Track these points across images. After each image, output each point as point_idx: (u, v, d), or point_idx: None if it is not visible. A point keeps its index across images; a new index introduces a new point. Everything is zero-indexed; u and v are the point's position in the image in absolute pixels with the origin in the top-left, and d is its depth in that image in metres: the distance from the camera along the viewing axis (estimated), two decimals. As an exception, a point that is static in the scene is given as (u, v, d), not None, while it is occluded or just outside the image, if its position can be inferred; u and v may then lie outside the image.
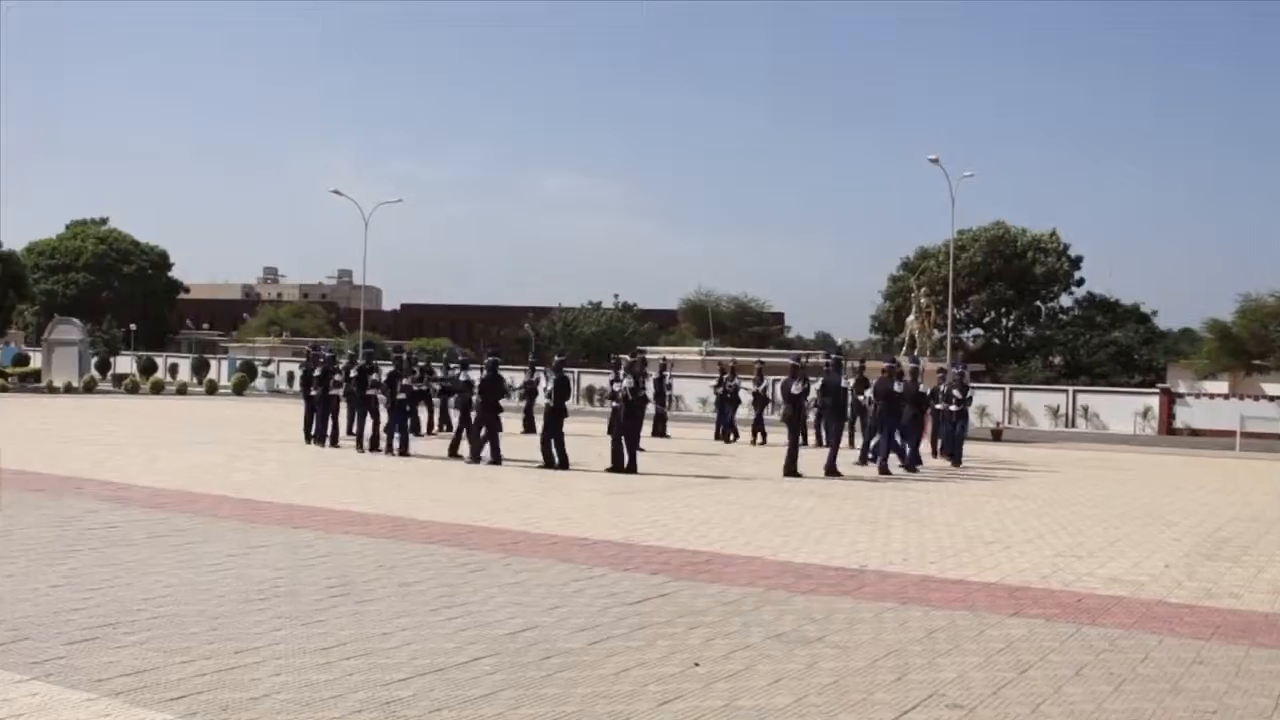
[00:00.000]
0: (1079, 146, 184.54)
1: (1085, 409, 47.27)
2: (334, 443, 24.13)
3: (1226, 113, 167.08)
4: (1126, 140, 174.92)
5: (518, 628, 8.53)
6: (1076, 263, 72.48)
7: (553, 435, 21.11)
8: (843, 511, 16.12)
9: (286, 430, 29.84)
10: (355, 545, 11.89)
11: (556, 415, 21.19)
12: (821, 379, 22.66)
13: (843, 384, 22.42)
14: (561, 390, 21.31)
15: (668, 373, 31.35)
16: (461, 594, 9.59)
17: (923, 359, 32.50)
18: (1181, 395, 47.59)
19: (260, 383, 59.29)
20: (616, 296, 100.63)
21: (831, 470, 21.39)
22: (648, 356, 31.47)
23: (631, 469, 20.68)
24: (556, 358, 22.16)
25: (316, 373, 24.70)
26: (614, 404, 21.16)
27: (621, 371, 21.17)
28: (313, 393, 24.99)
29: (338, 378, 24.36)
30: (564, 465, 20.99)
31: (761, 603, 9.67)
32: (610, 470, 20.63)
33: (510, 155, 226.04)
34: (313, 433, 24.96)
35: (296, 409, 41.26)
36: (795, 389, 21.63)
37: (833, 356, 22.80)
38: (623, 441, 20.87)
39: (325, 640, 7.99)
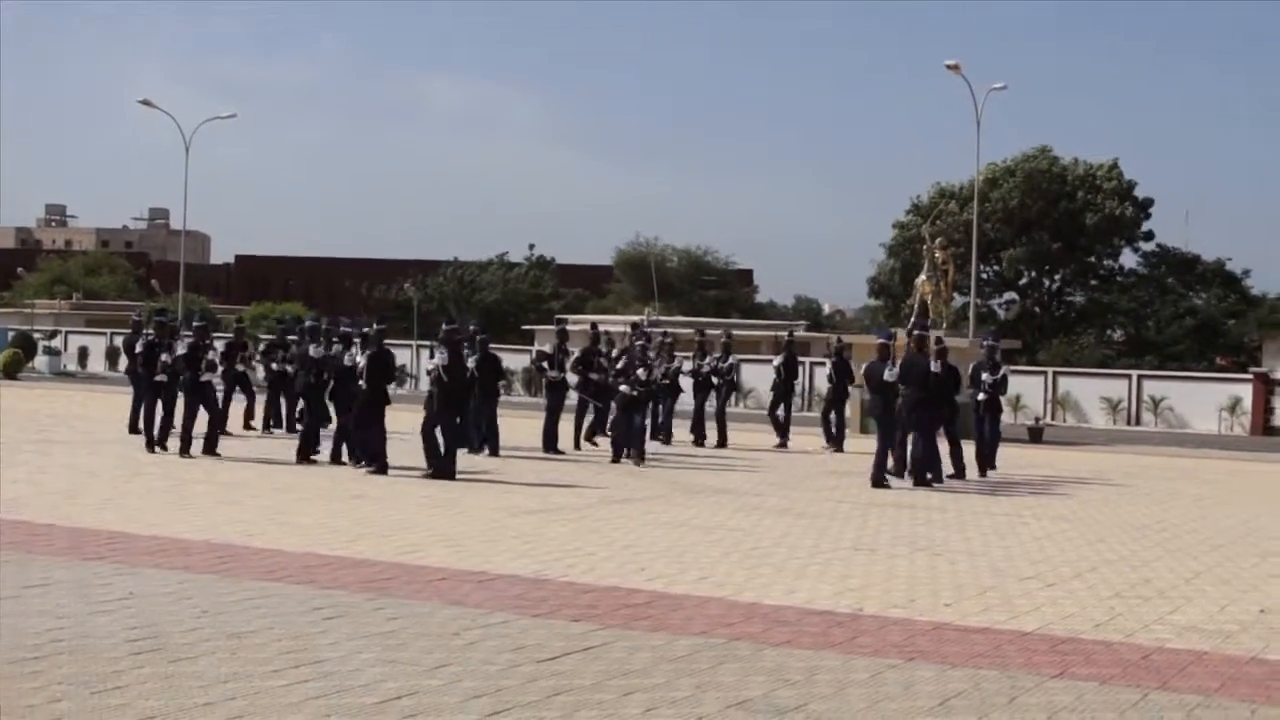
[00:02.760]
0: (1147, 52, 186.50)
1: (1154, 400, 47.78)
2: (209, 448, 23.45)
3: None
4: (1211, 43, 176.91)
5: (390, 694, 8.46)
6: (1144, 207, 73.22)
7: (367, 430, 21.80)
8: (830, 537, 16.18)
9: (80, 426, 29.51)
10: (169, 583, 11.74)
11: (372, 404, 21.76)
12: (901, 361, 23.01)
13: (933, 367, 22.83)
14: (377, 370, 21.79)
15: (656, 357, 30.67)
16: (314, 649, 9.51)
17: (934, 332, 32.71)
18: (1282, 382, 48.24)
19: (41, 361, 58.63)
20: (532, 248, 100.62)
21: (922, 478, 22.42)
22: (569, 326, 31.48)
23: (444, 471, 21.04)
24: (377, 325, 22.67)
25: (180, 351, 23.93)
26: (430, 387, 21.88)
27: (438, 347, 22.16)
28: (159, 379, 24.30)
29: (211, 357, 23.98)
30: (380, 469, 21.49)
31: (721, 659, 9.67)
32: (430, 475, 21.05)
33: (382, 54, 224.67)
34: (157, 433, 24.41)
35: (93, 397, 40.87)
36: (889, 374, 22.10)
37: (916, 332, 23.55)
38: (437, 434, 21.45)
39: (123, 715, 7.88)
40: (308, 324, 25.14)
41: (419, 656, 9.40)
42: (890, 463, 22.43)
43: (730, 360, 30.66)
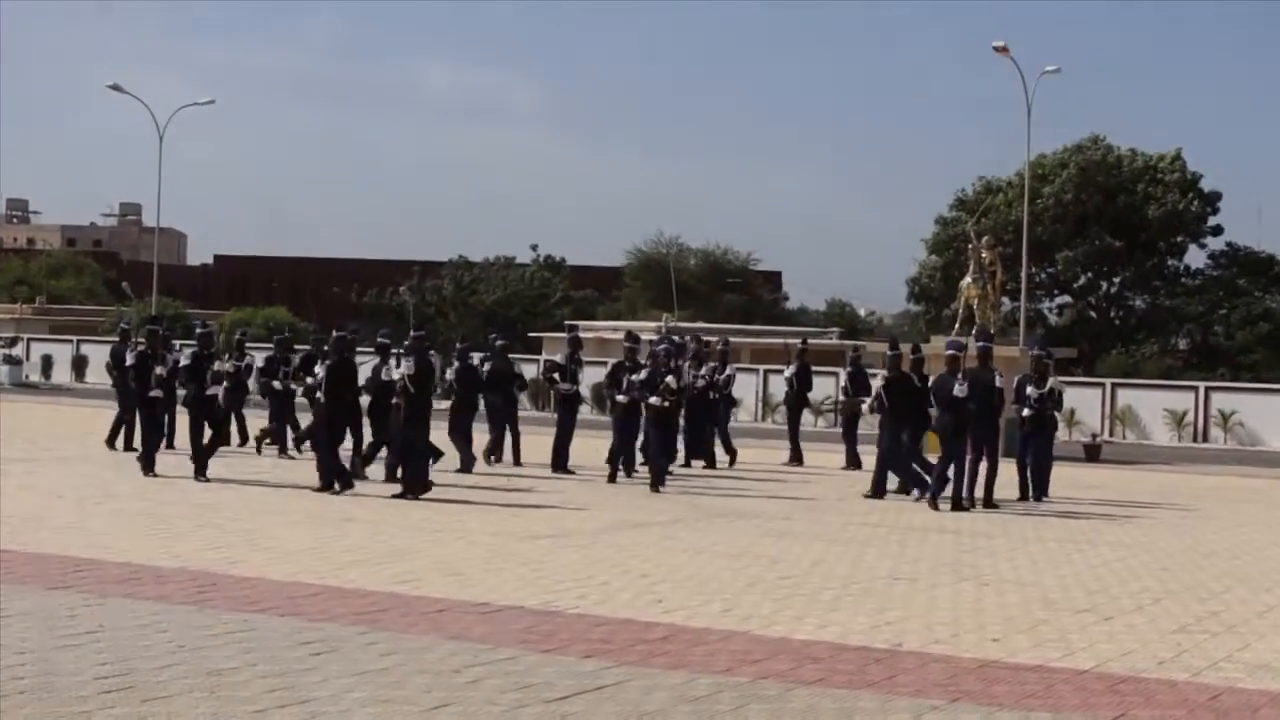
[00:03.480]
0: (1210, 31, 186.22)
1: (1224, 415, 47.66)
2: (199, 470, 23.01)
3: None
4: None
5: (384, 737, 8.47)
6: (1212, 201, 73.07)
7: (329, 446, 22.26)
8: (865, 564, 16.18)
9: (44, 443, 29.55)
10: (142, 614, 11.77)
11: (332, 419, 22.29)
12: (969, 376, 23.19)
13: (997, 382, 23.13)
14: (336, 380, 22.15)
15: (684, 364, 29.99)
16: (302, 687, 9.52)
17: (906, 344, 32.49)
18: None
19: (1, 371, 58.76)
20: (535, 248, 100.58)
21: (989, 501, 22.83)
22: (581, 334, 31.43)
23: (412, 487, 21.34)
24: (337, 333, 23.11)
25: (183, 362, 23.75)
26: (395, 399, 22.11)
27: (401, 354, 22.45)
28: (154, 394, 24.05)
29: (217, 367, 23.83)
30: (345, 484, 21.80)
31: (745, 699, 9.68)
32: (400, 495, 21.29)
33: (373, 37, 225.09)
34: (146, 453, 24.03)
35: (59, 411, 40.93)
36: (959, 390, 22.26)
37: (981, 344, 23.82)
38: (411, 451, 21.81)
39: (95, 757, 7.90)
40: (339, 336, 25.31)
41: (416, 696, 9.41)
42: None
43: (728, 371, 30.30)
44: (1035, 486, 24.40)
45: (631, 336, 26.43)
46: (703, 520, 19.96)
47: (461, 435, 25.81)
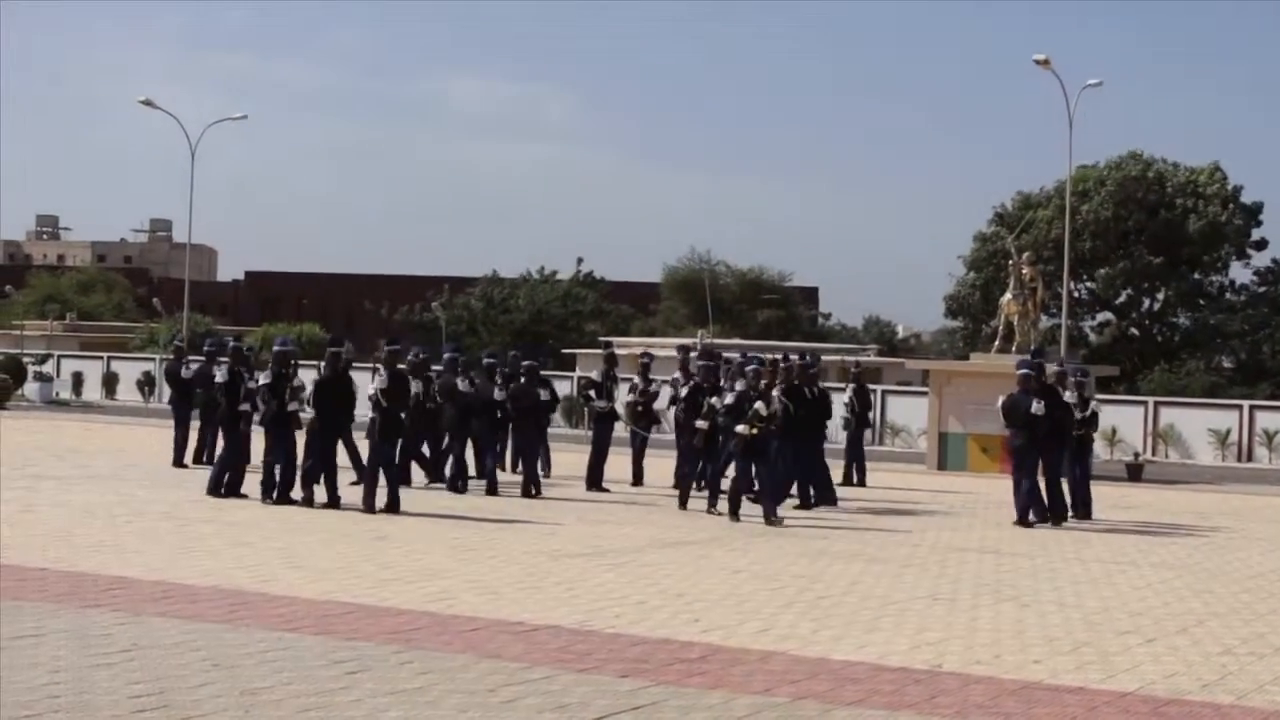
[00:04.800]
0: (1254, 44, 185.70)
1: (1269, 434, 47.44)
2: (331, 498, 22.62)
3: None
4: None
5: (420, 757, 8.50)
6: (1254, 214, 72.81)
7: (319, 459, 22.41)
8: (904, 584, 16.18)
9: (76, 460, 29.66)
10: (176, 633, 11.84)
11: (324, 432, 22.39)
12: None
13: (1066, 395, 23.56)
14: (328, 395, 22.32)
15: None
16: (335, 706, 9.57)
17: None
18: None
19: (31, 389, 58.99)
20: (580, 261, 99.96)
21: (1049, 517, 22.93)
22: (617, 351, 31.46)
23: (387, 505, 21.52)
24: (331, 348, 23.19)
25: (260, 380, 23.34)
26: (370, 414, 22.21)
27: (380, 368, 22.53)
28: (243, 408, 23.86)
29: (298, 384, 23.70)
30: (333, 502, 22.04)
31: (785, 719, 9.70)
32: (364, 510, 21.46)
33: (405, 51, 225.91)
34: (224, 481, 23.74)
35: (90, 428, 41.07)
36: (1036, 407, 22.47)
37: (1036, 360, 23.84)
38: (381, 465, 22.05)
39: (130, 775, 7.95)
40: (447, 356, 25.44)
41: (451, 715, 9.44)
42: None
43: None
44: (1077, 505, 24.33)
45: (708, 354, 26.14)
46: (739, 539, 19.97)
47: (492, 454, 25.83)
